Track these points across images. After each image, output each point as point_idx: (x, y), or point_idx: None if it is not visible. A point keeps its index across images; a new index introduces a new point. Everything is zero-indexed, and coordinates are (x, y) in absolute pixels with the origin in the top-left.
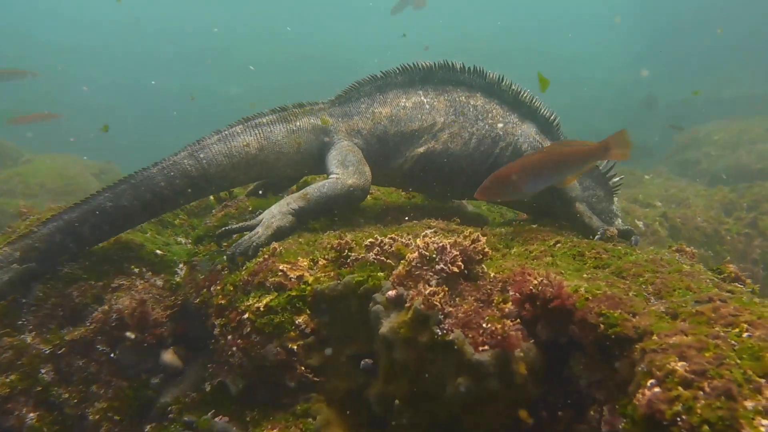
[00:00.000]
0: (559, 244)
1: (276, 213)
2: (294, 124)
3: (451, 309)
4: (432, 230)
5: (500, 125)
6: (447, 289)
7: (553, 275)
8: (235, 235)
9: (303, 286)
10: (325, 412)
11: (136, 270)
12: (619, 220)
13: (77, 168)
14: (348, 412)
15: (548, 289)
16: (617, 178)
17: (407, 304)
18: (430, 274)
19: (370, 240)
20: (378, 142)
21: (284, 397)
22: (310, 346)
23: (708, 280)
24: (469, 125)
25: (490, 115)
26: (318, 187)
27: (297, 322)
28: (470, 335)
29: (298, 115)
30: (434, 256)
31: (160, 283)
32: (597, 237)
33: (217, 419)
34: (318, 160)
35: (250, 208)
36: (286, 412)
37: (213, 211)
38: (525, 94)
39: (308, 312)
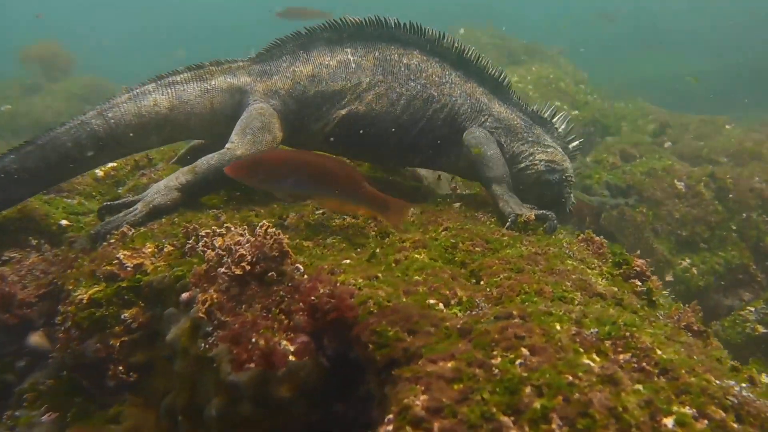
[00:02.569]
0: (445, 232)
1: (162, 188)
2: (209, 82)
3: (229, 318)
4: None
5: (435, 86)
6: (221, 295)
7: (354, 280)
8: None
9: (139, 276)
10: (135, 417)
11: (34, 242)
12: (570, 200)
13: None
14: (163, 422)
15: (328, 300)
16: (576, 142)
17: (192, 310)
18: (226, 273)
19: (206, 230)
20: (296, 103)
21: (105, 395)
22: (136, 342)
23: (580, 280)
24: (398, 85)
25: (424, 74)
26: (207, 159)
27: (123, 316)
28: (236, 351)
29: (215, 73)
30: (224, 255)
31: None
32: (507, 225)
33: (45, 416)
34: (233, 122)
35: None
36: (101, 414)
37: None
38: (470, 52)
39: (141, 305)
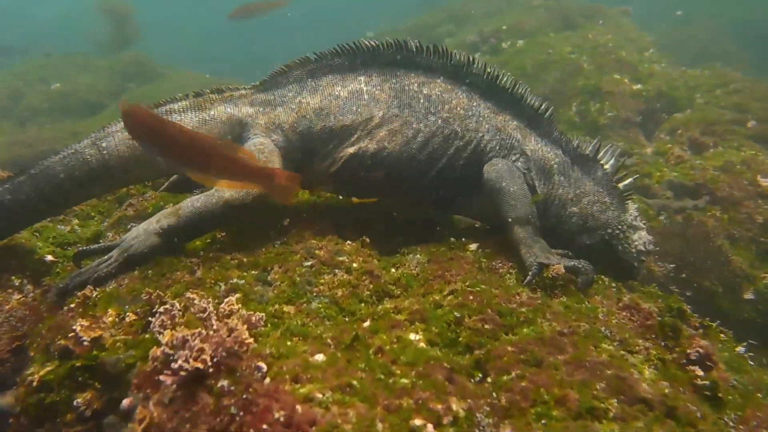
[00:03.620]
0: (451, 296)
1: (141, 232)
2: (208, 112)
3: None
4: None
5: (459, 120)
6: (162, 411)
7: (320, 394)
8: None
9: (95, 353)
10: None
11: (17, 282)
12: (639, 234)
13: (196, 88)
14: None
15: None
16: (629, 180)
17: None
18: (170, 377)
19: (165, 307)
20: (301, 139)
21: None
22: None
23: (617, 379)
24: (416, 120)
25: (446, 107)
26: (192, 201)
27: (76, 401)
28: None
29: (215, 102)
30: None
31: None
32: (528, 279)
33: None
34: None
35: (150, 210)
36: None
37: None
38: (505, 79)
39: (97, 386)
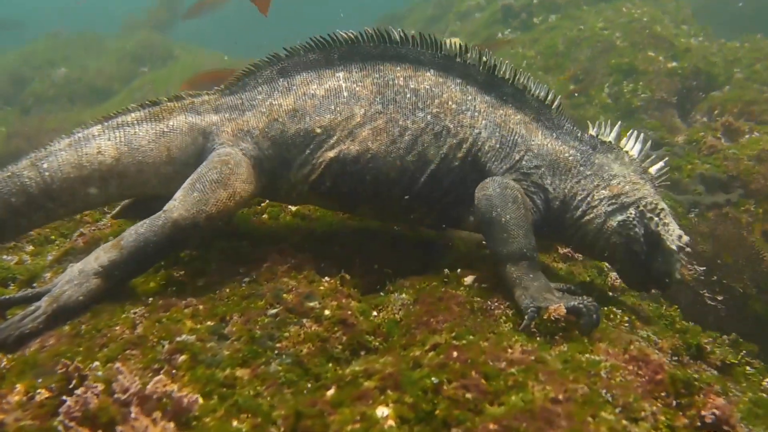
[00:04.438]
0: (433, 353)
1: (76, 275)
2: (166, 123)
3: None
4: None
5: (451, 115)
6: None
7: None
8: None
9: None
10: None
11: None
12: (674, 227)
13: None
14: None
15: None
16: (661, 163)
17: None
18: None
19: (77, 392)
20: (273, 146)
21: None
22: None
23: None
24: (402, 117)
25: (437, 101)
26: (136, 228)
27: None
28: None
29: (174, 111)
30: None
31: None
32: (523, 325)
33: None
34: None
35: (102, 242)
36: None
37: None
38: (504, 68)
39: None
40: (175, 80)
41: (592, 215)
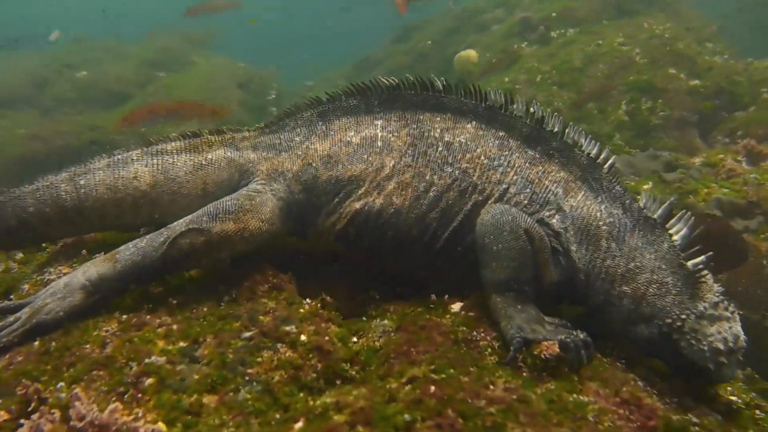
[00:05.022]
0: (409, 386)
1: (60, 288)
2: (205, 156)
3: None
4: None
5: (481, 171)
6: None
7: None
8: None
9: None
10: None
11: None
12: (719, 327)
13: (224, 77)
14: None
15: None
16: (702, 257)
17: None
18: None
19: (38, 414)
20: (304, 190)
21: None
22: None
23: None
24: (430, 172)
25: (468, 155)
26: (135, 242)
27: None
28: None
29: (213, 144)
30: None
31: None
32: (508, 359)
33: None
34: None
35: (83, 252)
36: None
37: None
38: (553, 122)
39: None
40: (190, 86)
41: (613, 312)
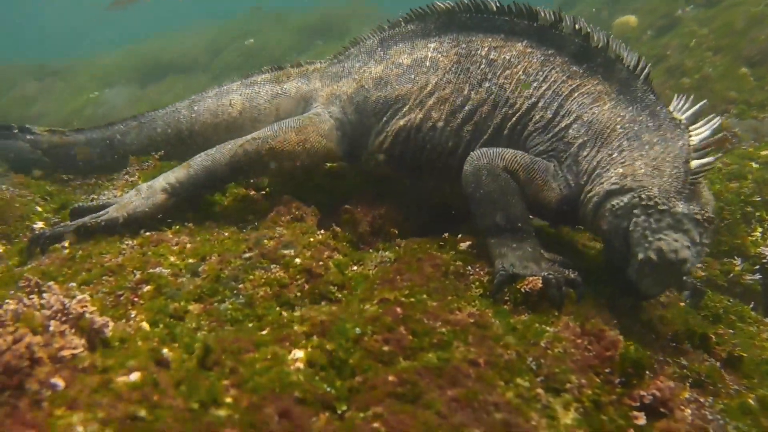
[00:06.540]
0: (379, 304)
1: (144, 189)
2: (281, 86)
3: None
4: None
5: (515, 85)
6: None
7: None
8: None
9: None
10: None
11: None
12: (679, 237)
13: None
14: None
15: None
16: (709, 158)
17: None
18: None
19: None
20: (356, 111)
21: None
22: None
23: (505, 426)
24: (468, 87)
25: (507, 72)
26: (206, 151)
27: None
28: None
29: (291, 76)
30: None
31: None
32: (493, 290)
33: None
34: None
35: (140, 182)
36: None
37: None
38: (599, 38)
39: None
40: None
41: (595, 190)
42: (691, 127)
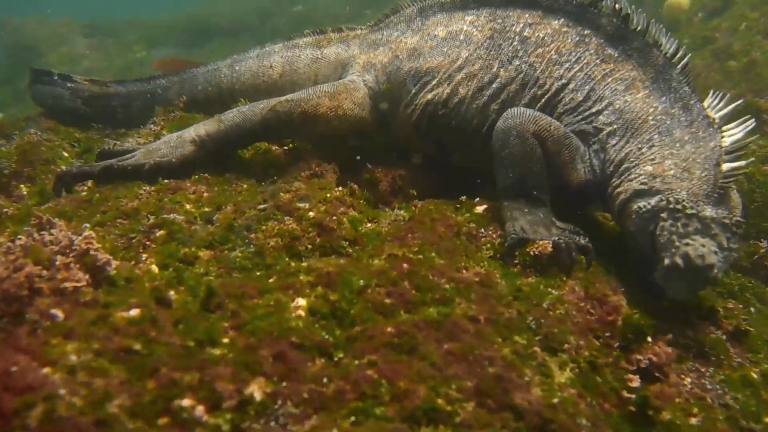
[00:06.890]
0: (387, 259)
1: (173, 138)
2: (321, 51)
3: None
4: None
5: (546, 65)
6: None
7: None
8: None
9: None
10: None
11: (25, 191)
12: (706, 242)
13: None
14: None
15: None
16: (740, 162)
17: None
18: None
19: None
20: (388, 81)
21: None
22: None
23: (498, 380)
24: (498, 64)
25: (539, 50)
26: (239, 107)
27: None
28: None
29: (331, 41)
30: None
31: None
32: (504, 252)
33: None
34: None
35: (164, 133)
36: None
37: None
38: (639, 20)
39: None
40: None
41: (622, 186)
42: (724, 128)
